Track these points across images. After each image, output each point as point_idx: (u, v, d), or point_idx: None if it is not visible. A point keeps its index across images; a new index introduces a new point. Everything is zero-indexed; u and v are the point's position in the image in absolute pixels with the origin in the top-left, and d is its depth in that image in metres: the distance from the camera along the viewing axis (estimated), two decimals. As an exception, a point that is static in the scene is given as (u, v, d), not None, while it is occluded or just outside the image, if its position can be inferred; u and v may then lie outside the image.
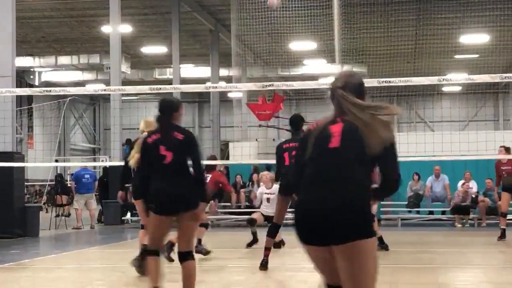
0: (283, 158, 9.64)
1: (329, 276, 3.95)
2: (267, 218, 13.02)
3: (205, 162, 13.20)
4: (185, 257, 6.49)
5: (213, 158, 13.37)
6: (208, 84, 25.15)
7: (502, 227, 14.41)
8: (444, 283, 8.84)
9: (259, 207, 13.93)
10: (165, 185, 6.43)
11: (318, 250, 3.86)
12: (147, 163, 6.60)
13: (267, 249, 9.78)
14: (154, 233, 6.60)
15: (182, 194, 6.38)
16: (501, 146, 14.43)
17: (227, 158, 25.67)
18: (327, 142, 3.93)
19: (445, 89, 38.56)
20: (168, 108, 6.69)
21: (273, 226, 9.85)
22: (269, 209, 13.05)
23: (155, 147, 6.49)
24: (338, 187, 3.79)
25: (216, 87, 18.24)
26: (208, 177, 12.45)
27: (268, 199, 13.48)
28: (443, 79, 13.03)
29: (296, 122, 10.04)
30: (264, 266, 9.72)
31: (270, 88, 12.94)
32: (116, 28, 22.34)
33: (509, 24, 25.86)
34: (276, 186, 12.40)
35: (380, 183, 3.97)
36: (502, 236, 14.24)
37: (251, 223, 13.30)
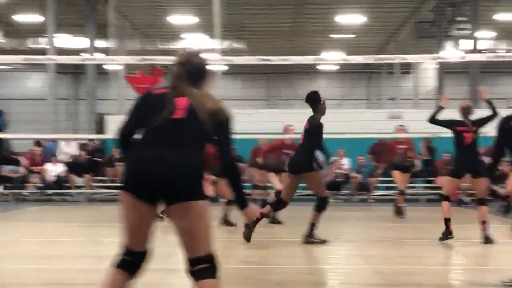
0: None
1: (134, 238, 4.42)
2: None
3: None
4: None
5: None
6: (85, 55, 24.58)
7: (399, 204, 14.14)
8: (316, 256, 9.12)
9: None
10: None
11: (143, 206, 4.26)
12: None
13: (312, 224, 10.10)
14: None
15: None
16: (399, 125, 14.63)
17: (102, 132, 25.22)
18: (172, 113, 4.16)
19: (321, 68, 39.36)
20: None
21: (280, 202, 10.53)
22: None
23: None
24: (180, 153, 4.09)
25: (94, 59, 17.85)
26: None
27: None
28: (319, 59, 13.31)
29: (313, 98, 10.20)
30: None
31: (149, 62, 12.75)
32: (-12, -6, 21.40)
33: (384, 6, 26.65)
34: None
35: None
36: (399, 213, 14.06)
37: None
